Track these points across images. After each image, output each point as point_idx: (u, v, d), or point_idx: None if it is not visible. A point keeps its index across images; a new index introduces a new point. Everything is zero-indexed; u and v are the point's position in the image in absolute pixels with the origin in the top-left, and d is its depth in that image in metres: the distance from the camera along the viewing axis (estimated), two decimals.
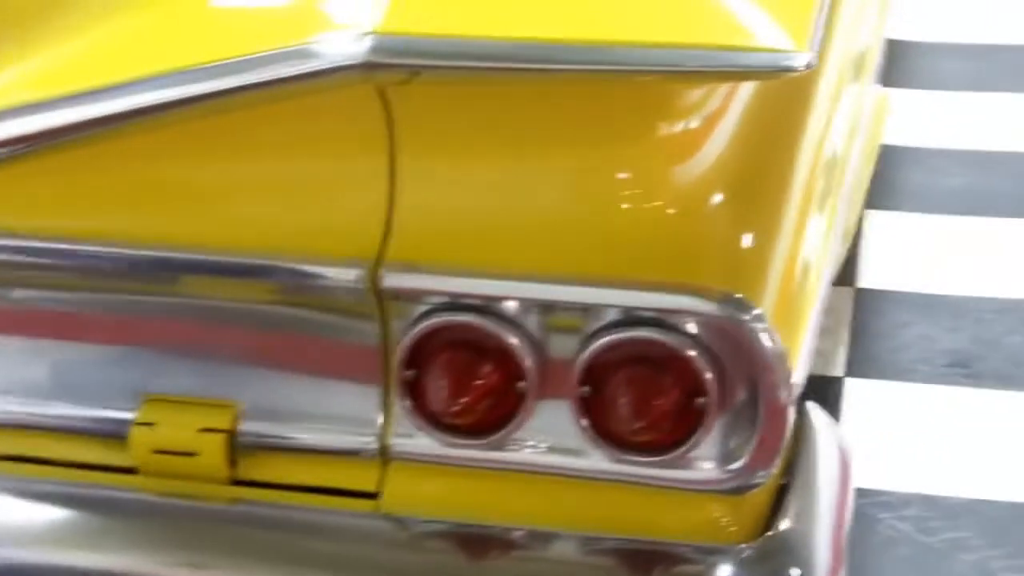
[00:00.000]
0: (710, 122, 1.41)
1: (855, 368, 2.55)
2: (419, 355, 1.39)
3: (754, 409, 1.36)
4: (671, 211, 1.37)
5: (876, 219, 2.97)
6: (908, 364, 2.57)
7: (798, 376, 1.39)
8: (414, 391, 1.40)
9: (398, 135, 1.38)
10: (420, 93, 1.35)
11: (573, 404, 1.38)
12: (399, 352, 1.39)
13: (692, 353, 1.34)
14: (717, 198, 1.39)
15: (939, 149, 3.22)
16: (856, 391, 2.50)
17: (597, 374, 1.36)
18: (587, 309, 1.37)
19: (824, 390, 2.49)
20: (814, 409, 1.57)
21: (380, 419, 1.44)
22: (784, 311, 1.38)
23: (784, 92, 1.49)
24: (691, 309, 1.34)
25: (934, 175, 3.12)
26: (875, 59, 2.13)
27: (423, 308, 1.39)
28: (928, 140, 3.25)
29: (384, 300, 1.39)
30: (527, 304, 1.37)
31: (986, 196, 3.04)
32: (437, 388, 1.39)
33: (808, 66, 1.25)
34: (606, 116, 1.36)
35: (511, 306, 1.38)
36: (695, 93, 1.40)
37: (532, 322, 1.38)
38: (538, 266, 1.37)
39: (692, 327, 1.35)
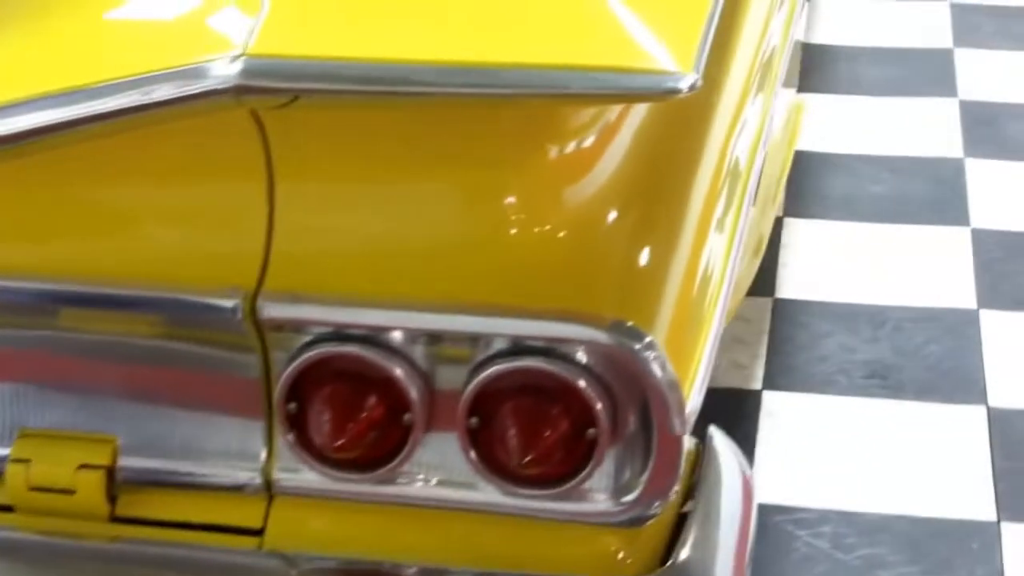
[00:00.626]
0: (600, 142, 1.37)
1: (773, 380, 2.52)
2: (301, 387, 1.34)
3: (647, 440, 1.32)
4: (560, 236, 1.32)
5: (797, 227, 2.94)
6: (827, 376, 2.54)
7: (694, 403, 1.35)
8: (297, 424, 1.35)
9: (276, 160, 1.33)
10: (298, 117, 1.30)
11: (461, 436, 1.33)
12: (280, 384, 1.34)
13: (582, 383, 1.30)
14: (607, 222, 1.34)
15: (861, 155, 3.20)
16: (774, 404, 2.47)
17: (485, 405, 1.32)
18: (474, 338, 1.32)
19: (742, 404, 2.46)
20: (717, 434, 1.53)
21: (264, 453, 1.39)
22: (678, 337, 1.34)
23: (679, 108, 1.44)
24: (580, 338, 1.30)
25: (856, 181, 3.10)
26: (784, 64, 2.08)
27: (305, 339, 1.34)
28: (850, 146, 3.23)
29: (264, 331, 1.34)
30: (412, 333, 1.33)
31: (908, 202, 3.02)
32: (320, 421, 1.34)
33: (693, 87, 1.20)
34: (489, 138, 1.32)
35: (396, 336, 1.33)
36: (583, 113, 1.36)
37: (418, 352, 1.33)
38: (423, 294, 1.32)
39: (582, 356, 1.30)
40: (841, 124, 3.32)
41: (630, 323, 1.29)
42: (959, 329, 2.64)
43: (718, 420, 2.42)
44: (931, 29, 3.74)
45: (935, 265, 2.82)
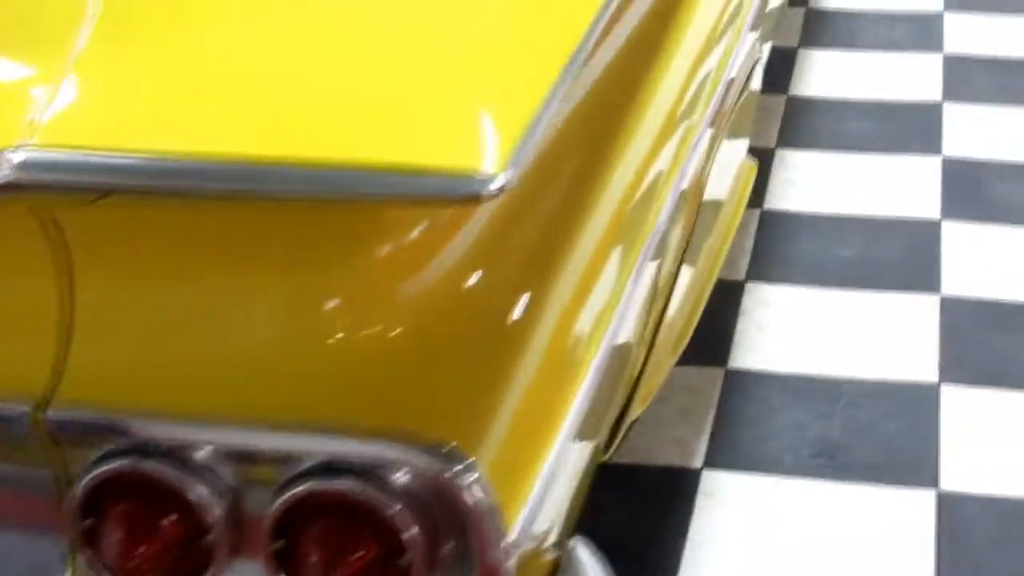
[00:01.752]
0: (425, 242, 1.26)
1: (715, 459, 2.40)
2: (98, 503, 1.24)
3: (467, 569, 1.22)
4: (377, 347, 1.23)
5: (759, 292, 2.83)
6: (774, 454, 2.42)
7: (526, 530, 1.24)
8: (94, 541, 1.25)
9: (77, 260, 1.24)
10: (93, 215, 1.21)
11: (266, 560, 1.23)
12: (76, 500, 1.24)
13: (396, 507, 1.20)
14: (429, 333, 1.24)
15: (833, 215, 3.08)
16: (713, 484, 2.35)
17: (292, 528, 1.22)
18: (281, 456, 1.22)
19: (679, 483, 2.35)
20: (580, 545, 1.42)
21: (68, 571, 1.29)
22: (509, 459, 1.24)
23: (534, 187, 1.33)
24: (396, 459, 1.20)
25: (825, 244, 2.98)
26: (711, 113, 1.94)
27: (100, 452, 1.24)
28: (823, 205, 3.12)
29: (60, 444, 1.25)
30: (216, 450, 1.23)
31: (876, 267, 2.90)
32: (116, 540, 1.24)
33: (503, 189, 1.09)
34: (294, 241, 1.22)
35: (197, 452, 1.23)
36: (409, 210, 1.26)
37: (221, 469, 1.24)
38: (227, 408, 1.23)
39: (399, 478, 1.20)
40: (816, 182, 3.20)
41: (450, 444, 1.19)
42: (917, 405, 2.52)
43: (651, 501, 2.32)
44: (922, 82, 3.61)
45: (899, 335, 2.70)
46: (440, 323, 1.24)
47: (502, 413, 1.25)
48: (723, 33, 2.09)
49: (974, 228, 3.02)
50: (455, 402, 1.23)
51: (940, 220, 3.04)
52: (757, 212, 3.08)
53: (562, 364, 1.36)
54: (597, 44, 1.38)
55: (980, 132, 3.38)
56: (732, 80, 2.14)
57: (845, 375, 2.60)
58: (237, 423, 1.22)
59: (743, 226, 2.97)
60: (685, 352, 2.42)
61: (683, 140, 1.80)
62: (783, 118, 3.47)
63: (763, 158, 3.22)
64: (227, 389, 1.23)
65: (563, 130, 1.33)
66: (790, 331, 2.72)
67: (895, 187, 3.17)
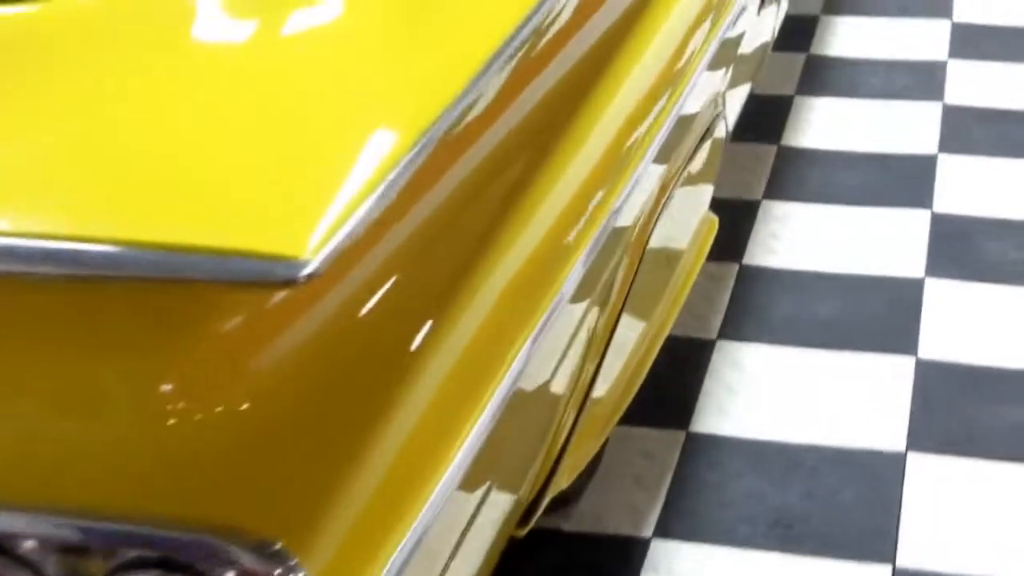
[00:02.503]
0: (259, 325, 1.20)
1: (667, 528, 2.33)
2: None
3: None
4: (203, 437, 1.16)
5: (729, 351, 2.75)
6: (728, 524, 2.34)
7: None
8: None
9: None
10: None
11: None
12: None
13: None
14: (261, 420, 1.17)
15: (813, 271, 3.00)
16: (662, 556, 2.27)
17: None
18: (106, 550, 1.16)
19: (626, 555, 2.27)
20: None
21: None
22: (348, 559, 1.17)
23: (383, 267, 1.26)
24: (221, 556, 1.13)
25: (803, 301, 2.90)
26: (652, 154, 1.86)
27: None
28: (804, 261, 3.04)
29: None
30: (41, 541, 1.17)
31: (853, 327, 2.82)
32: None
33: (311, 276, 1.03)
34: (117, 323, 1.16)
35: (21, 543, 1.17)
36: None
37: (46, 562, 1.17)
38: (51, 499, 1.17)
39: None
40: (800, 235, 3.13)
41: (276, 544, 1.13)
42: (880, 474, 2.43)
43: (593, 572, 2.24)
44: (919, 132, 3.53)
45: (869, 399, 2.61)
46: (274, 410, 1.18)
47: (342, 509, 1.18)
48: (672, 67, 2.01)
49: (958, 287, 2.93)
50: (287, 497, 1.17)
51: (924, 278, 2.95)
52: (735, 267, 3.01)
53: (428, 448, 1.30)
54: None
55: (973, 186, 3.29)
56: (686, 118, 2.06)
57: (810, 441, 2.52)
58: (62, 514, 1.16)
59: (718, 280, 2.90)
60: (645, 414, 2.36)
61: (616, 173, 1.72)
62: (772, 169, 3.39)
63: (748, 210, 3.16)
64: (51, 479, 1.17)
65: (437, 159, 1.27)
66: (755, 393, 2.64)
67: (881, 242, 3.08)
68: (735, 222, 3.12)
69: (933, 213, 3.19)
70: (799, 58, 3.93)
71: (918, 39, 3.99)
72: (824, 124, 3.60)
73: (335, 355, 1.23)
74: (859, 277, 2.98)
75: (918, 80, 3.79)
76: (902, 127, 3.56)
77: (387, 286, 1.27)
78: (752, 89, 2.90)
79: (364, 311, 1.25)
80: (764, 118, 3.58)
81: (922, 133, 3.53)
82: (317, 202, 1.12)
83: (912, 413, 2.58)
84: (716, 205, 2.49)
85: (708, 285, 2.92)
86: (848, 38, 4.03)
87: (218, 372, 1.17)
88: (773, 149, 3.48)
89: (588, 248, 1.62)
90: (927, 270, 2.99)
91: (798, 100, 3.72)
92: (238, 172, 1.17)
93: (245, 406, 1.17)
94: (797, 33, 4.01)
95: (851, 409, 2.59)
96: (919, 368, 2.69)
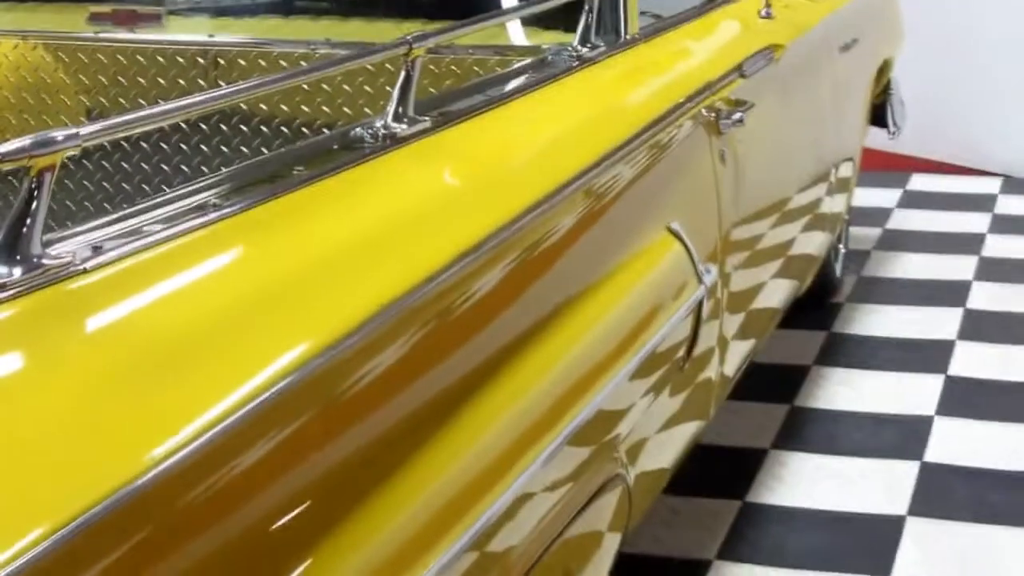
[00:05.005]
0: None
1: None
2: None
3: None
4: None
5: None
6: None
7: None
8: None
9: None
10: None
11: None
12: None
13: None
14: None
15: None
16: None
17: None
18: None
19: None
20: None
21: None
22: None
23: None
24: None
25: None
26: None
27: None
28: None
29: None
30: None
31: None
32: None
33: None
34: None
35: None
36: None
37: None
38: None
39: None
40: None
41: None
42: None
43: None
44: (889, 494, 3.39)
45: None
46: None
47: None
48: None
49: None
50: None
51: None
52: None
53: None
54: None
55: (942, 555, 3.12)
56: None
57: None
58: None
59: None
60: None
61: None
62: (731, 527, 3.25)
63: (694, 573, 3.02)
64: None
65: None
66: None
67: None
68: None
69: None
70: (781, 409, 3.84)
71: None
72: (792, 481, 3.48)
73: None
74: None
75: (900, 437, 3.69)
76: (874, 487, 3.43)
77: None
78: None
79: None
80: (727, 472, 3.47)
81: (893, 494, 3.39)
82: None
83: None
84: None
85: None
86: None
87: None
88: (736, 505, 3.35)
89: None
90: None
91: (772, 454, 3.61)
92: None
93: None
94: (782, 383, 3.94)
95: None
96: None
